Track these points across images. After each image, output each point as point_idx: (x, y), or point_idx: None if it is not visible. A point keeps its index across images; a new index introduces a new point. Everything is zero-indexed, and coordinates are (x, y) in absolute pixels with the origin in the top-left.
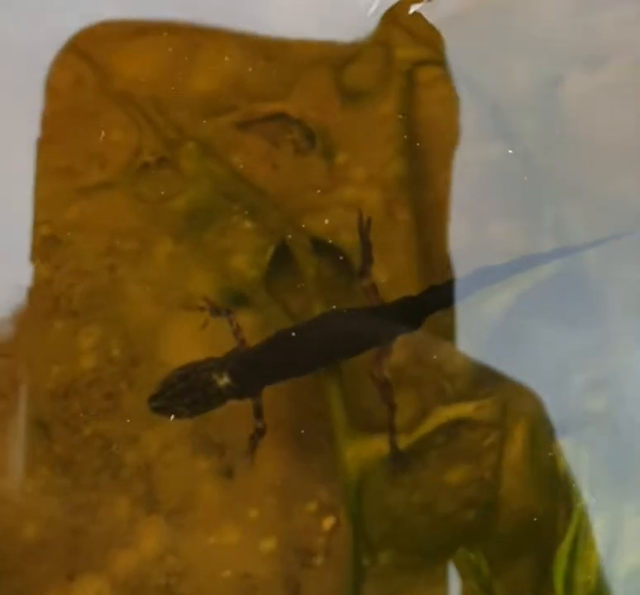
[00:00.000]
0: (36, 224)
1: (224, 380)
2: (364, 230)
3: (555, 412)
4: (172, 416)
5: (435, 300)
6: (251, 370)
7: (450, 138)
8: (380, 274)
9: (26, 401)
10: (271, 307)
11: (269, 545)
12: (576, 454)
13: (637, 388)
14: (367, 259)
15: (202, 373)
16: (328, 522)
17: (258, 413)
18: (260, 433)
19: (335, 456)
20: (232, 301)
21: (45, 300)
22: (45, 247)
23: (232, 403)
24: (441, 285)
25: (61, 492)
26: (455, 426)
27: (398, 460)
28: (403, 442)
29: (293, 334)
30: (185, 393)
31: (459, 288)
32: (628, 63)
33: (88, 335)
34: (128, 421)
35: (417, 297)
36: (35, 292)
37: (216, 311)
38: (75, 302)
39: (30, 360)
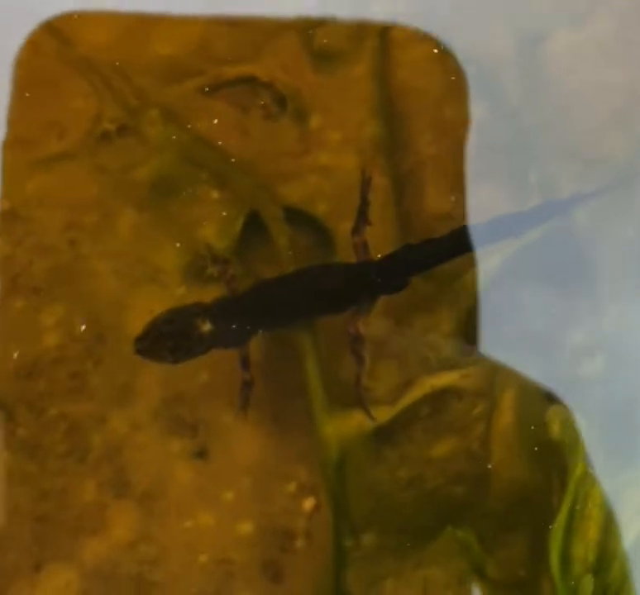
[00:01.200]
0: None
1: (207, 326)
2: (364, 187)
3: (547, 378)
4: (157, 361)
5: (421, 259)
6: (233, 318)
7: (430, 99)
8: None
9: None
10: (243, 280)
11: (246, 528)
12: (570, 421)
13: (632, 351)
14: (364, 217)
15: (187, 318)
16: (309, 503)
17: (244, 364)
18: (248, 385)
19: (314, 433)
20: (201, 274)
21: (4, 277)
22: (3, 223)
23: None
24: (423, 243)
25: (26, 478)
26: (440, 397)
27: (367, 411)
28: (387, 414)
29: (277, 284)
30: (169, 337)
31: (448, 247)
32: (613, 18)
33: (50, 313)
34: (95, 401)
35: (402, 255)
36: None
37: (215, 259)
38: (36, 279)
39: None
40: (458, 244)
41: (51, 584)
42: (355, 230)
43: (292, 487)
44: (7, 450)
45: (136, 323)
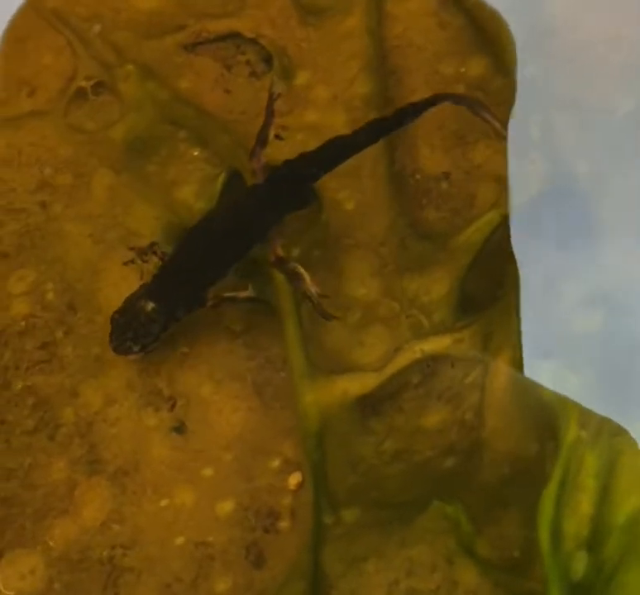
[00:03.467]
0: None
1: (149, 305)
2: (270, 105)
3: (543, 335)
4: (130, 356)
5: (314, 167)
6: (168, 288)
7: (427, 55)
8: (346, 201)
9: None
10: None
11: (226, 507)
12: (565, 380)
13: (632, 307)
14: (263, 138)
15: (135, 303)
16: (294, 480)
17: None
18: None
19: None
20: (178, 236)
21: None
22: None
23: None
24: (314, 150)
25: None
26: (431, 363)
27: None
28: (373, 382)
29: (189, 240)
30: (127, 328)
31: (345, 144)
32: None
33: (19, 279)
34: (66, 373)
35: (289, 167)
36: None
37: (142, 253)
38: (5, 244)
39: None
40: (359, 143)
41: (13, 571)
42: (253, 154)
43: (276, 463)
44: None
45: (110, 290)
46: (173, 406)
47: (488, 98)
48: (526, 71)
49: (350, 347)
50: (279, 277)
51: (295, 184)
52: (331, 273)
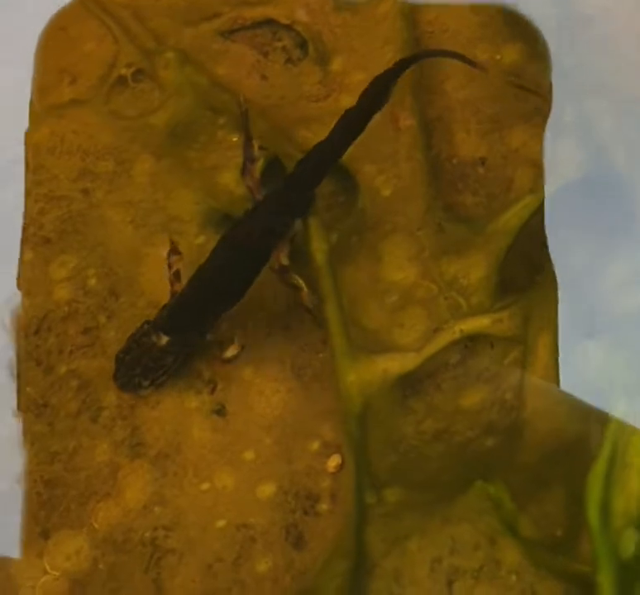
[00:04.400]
0: (2, 146)
1: (163, 339)
2: (244, 123)
3: (585, 313)
4: (140, 392)
5: (308, 176)
6: (183, 320)
7: (461, 40)
8: (382, 187)
9: None
10: None
11: (267, 490)
12: (610, 358)
13: None
14: (248, 154)
15: (141, 340)
16: (333, 462)
17: (221, 348)
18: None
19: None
20: (219, 222)
21: (13, 228)
22: (13, 170)
23: None
24: (303, 158)
25: (34, 439)
26: (470, 343)
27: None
28: (414, 362)
29: (206, 268)
30: (135, 364)
31: (331, 149)
32: None
33: (62, 265)
34: (108, 357)
35: (286, 183)
36: (1, 221)
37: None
38: (47, 230)
39: None
40: (339, 143)
41: (60, 552)
42: (245, 171)
43: (315, 445)
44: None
45: (152, 275)
46: (213, 389)
47: (524, 83)
48: (562, 59)
49: (389, 328)
50: (320, 260)
51: (300, 194)
52: (370, 258)
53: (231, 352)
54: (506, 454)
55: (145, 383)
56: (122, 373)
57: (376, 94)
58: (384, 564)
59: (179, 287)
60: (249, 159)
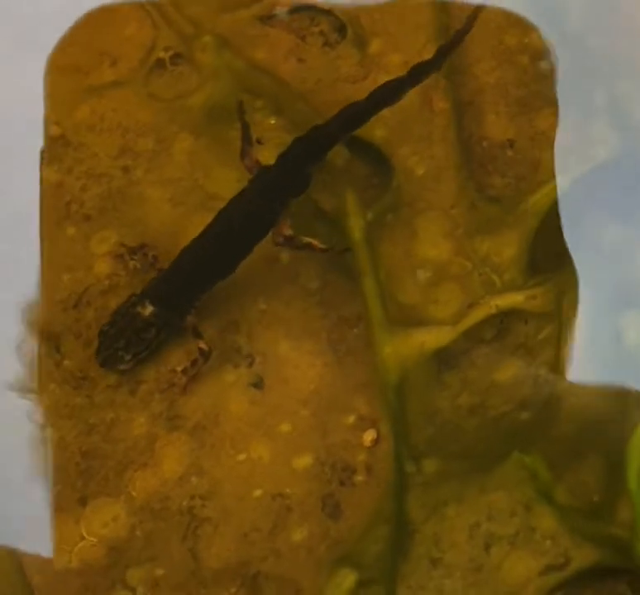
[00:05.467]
0: (45, 124)
1: (148, 309)
2: (240, 111)
3: (619, 290)
4: (120, 366)
5: (313, 148)
6: (172, 290)
7: (491, 27)
8: (416, 167)
9: (34, 312)
10: (301, 206)
11: (303, 461)
12: None
13: None
14: (247, 139)
15: (126, 312)
16: (369, 436)
17: (197, 333)
18: (205, 356)
19: (373, 356)
20: None
21: (55, 205)
22: (54, 149)
23: None
24: (303, 136)
25: (72, 411)
26: (505, 319)
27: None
28: (449, 336)
29: (198, 243)
30: (118, 337)
31: (334, 130)
32: None
33: (102, 241)
34: None
35: (295, 150)
36: (44, 197)
37: (132, 252)
38: (88, 207)
39: (39, 269)
40: (343, 125)
41: (97, 518)
42: (243, 154)
43: (351, 419)
44: (52, 382)
45: None
46: (251, 363)
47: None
48: (591, 41)
49: (424, 303)
50: (357, 236)
51: (304, 165)
52: (405, 234)
53: (202, 345)
54: (541, 427)
55: (127, 357)
56: (106, 347)
57: (389, 92)
58: (424, 530)
59: (162, 266)
60: (247, 143)
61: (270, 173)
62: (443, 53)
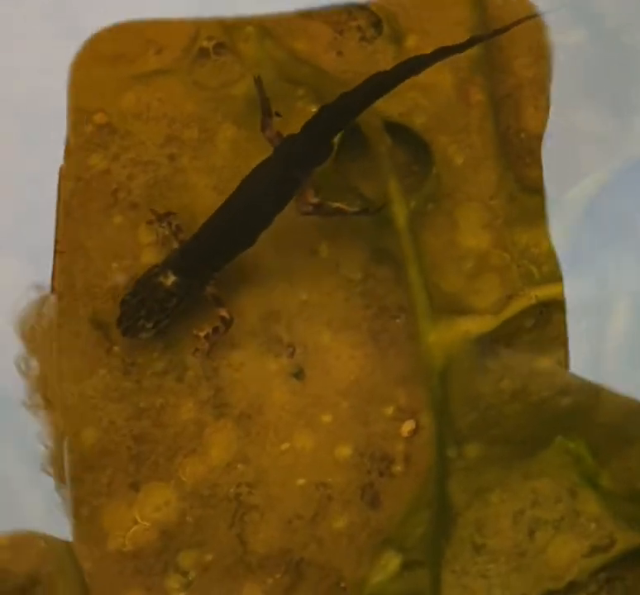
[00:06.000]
0: (90, 112)
1: (170, 279)
2: (259, 86)
3: None
4: (142, 335)
5: (331, 119)
6: (194, 260)
7: (528, 24)
8: (455, 156)
9: (84, 300)
10: (343, 192)
11: (344, 451)
12: None
13: None
14: (267, 112)
15: (148, 282)
16: (407, 427)
17: (218, 302)
18: (226, 324)
19: (415, 349)
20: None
21: (102, 193)
22: (100, 136)
23: None
24: (330, 104)
25: (122, 396)
26: (545, 309)
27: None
28: (491, 324)
29: (221, 211)
30: (140, 307)
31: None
32: None
33: (148, 230)
34: (193, 319)
35: (311, 121)
36: (91, 185)
37: (160, 219)
38: (135, 194)
39: (87, 257)
40: (369, 93)
41: (149, 503)
42: (264, 126)
43: (390, 410)
44: (103, 368)
45: None
46: (292, 353)
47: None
48: (628, 38)
49: (466, 293)
50: (401, 223)
51: (327, 134)
52: (446, 224)
53: (224, 313)
54: (584, 412)
55: (149, 326)
56: (128, 316)
57: (413, 66)
58: (467, 515)
59: (184, 237)
60: (267, 115)
61: (295, 141)
62: (473, 42)
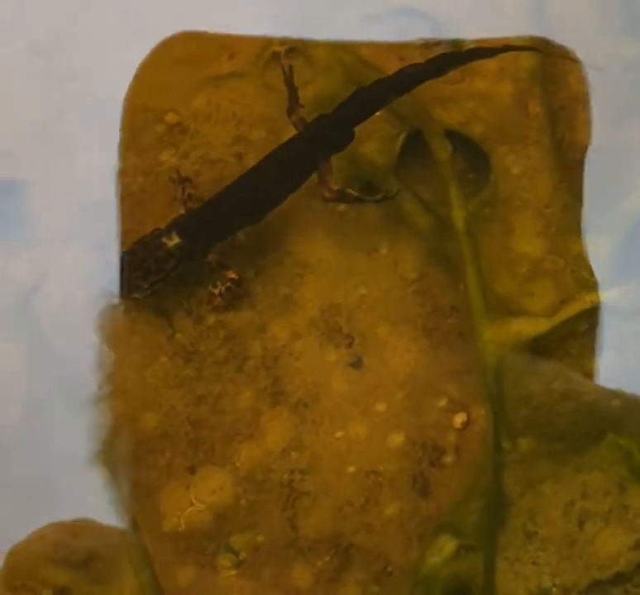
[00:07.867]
0: (162, 112)
1: (173, 240)
2: (287, 74)
3: None
4: (135, 294)
5: (354, 109)
6: (201, 225)
7: (583, 35)
8: (512, 166)
9: None
10: (402, 196)
11: (397, 440)
12: None
13: None
14: (294, 98)
15: (151, 242)
16: (459, 419)
17: (222, 266)
18: (236, 283)
19: (469, 346)
20: (361, 188)
21: (170, 188)
22: (171, 135)
23: None
24: (365, 87)
25: (182, 382)
26: (599, 314)
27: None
28: (545, 326)
29: (238, 183)
30: (138, 266)
31: (379, 91)
32: None
33: None
34: (256, 310)
35: (333, 112)
36: (160, 180)
37: (179, 180)
38: (201, 190)
39: None
40: (404, 82)
41: (205, 486)
42: (290, 111)
43: (443, 402)
44: (164, 355)
45: (297, 236)
46: (351, 344)
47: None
48: None
49: (519, 296)
50: (459, 226)
51: (346, 124)
52: (502, 229)
53: (232, 274)
54: (634, 412)
55: (144, 285)
56: (125, 277)
57: (446, 63)
58: (520, 504)
59: (192, 206)
60: (294, 101)
61: (323, 122)
62: (508, 48)
